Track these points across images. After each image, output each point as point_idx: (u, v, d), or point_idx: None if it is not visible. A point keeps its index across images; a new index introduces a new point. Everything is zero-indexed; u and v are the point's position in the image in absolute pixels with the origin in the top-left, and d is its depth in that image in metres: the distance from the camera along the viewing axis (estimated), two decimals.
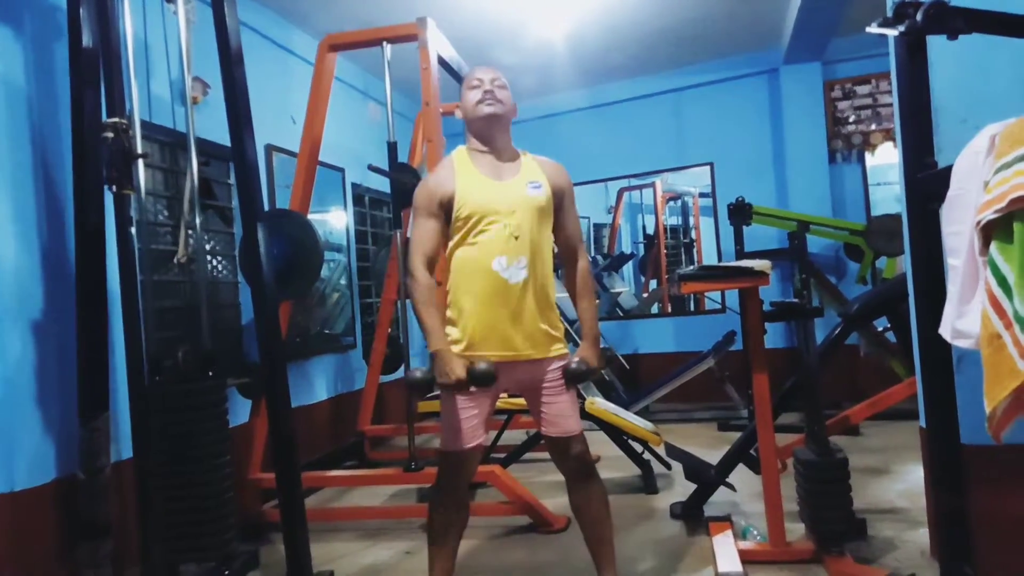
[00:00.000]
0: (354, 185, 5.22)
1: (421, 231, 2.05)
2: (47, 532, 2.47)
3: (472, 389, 1.96)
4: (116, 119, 2.08)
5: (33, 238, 2.54)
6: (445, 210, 2.03)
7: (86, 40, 2.42)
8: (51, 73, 2.66)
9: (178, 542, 2.32)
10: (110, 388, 2.51)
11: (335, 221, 4.96)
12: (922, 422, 2.41)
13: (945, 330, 1.39)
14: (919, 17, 1.62)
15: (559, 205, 2.12)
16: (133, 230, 2.15)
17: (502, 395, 2.35)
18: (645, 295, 7.42)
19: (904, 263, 5.45)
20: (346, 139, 5.00)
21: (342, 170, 5.02)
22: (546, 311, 2.04)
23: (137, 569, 2.62)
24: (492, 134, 2.07)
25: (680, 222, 7.95)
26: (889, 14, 1.74)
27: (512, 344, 1.99)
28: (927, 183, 1.64)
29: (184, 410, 2.28)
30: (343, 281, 5.03)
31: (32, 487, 2.42)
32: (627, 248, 7.91)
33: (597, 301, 6.09)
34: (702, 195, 7.16)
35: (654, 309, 7.19)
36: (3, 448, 2.35)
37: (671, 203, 7.77)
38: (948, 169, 1.49)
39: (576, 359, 2.06)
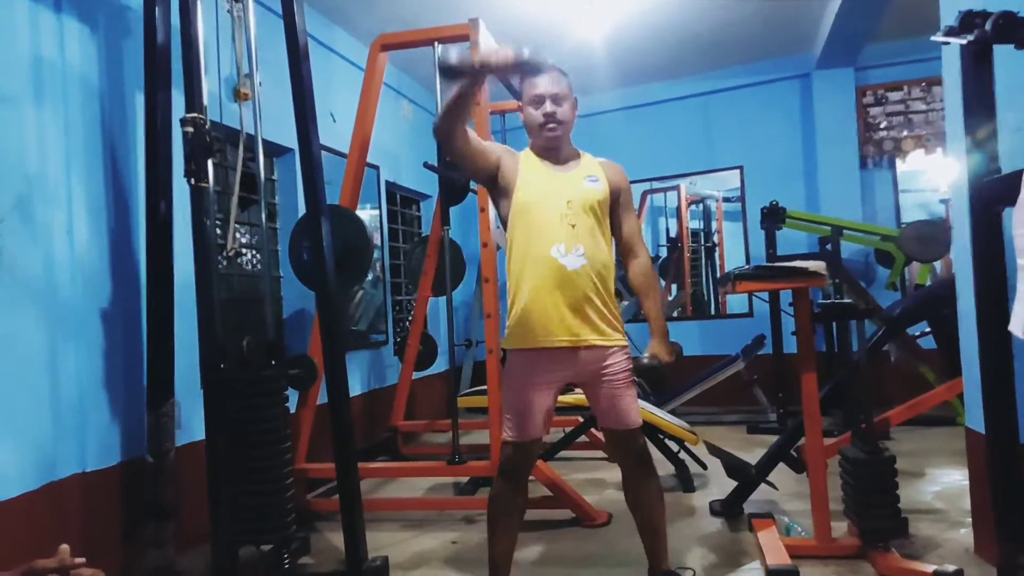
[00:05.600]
0: (388, 183, 5.30)
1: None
2: (114, 512, 2.56)
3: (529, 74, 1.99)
4: (196, 114, 2.16)
5: (103, 230, 2.63)
6: (498, 174, 2.13)
7: (160, 38, 2.51)
8: (120, 70, 2.75)
9: (241, 525, 2.39)
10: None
11: (369, 218, 5.04)
12: (970, 423, 2.46)
13: (1016, 327, 1.45)
14: (988, 27, 1.68)
15: (616, 201, 2.19)
16: (208, 222, 2.23)
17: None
18: (669, 298, 7.46)
19: (937, 267, 5.42)
20: (381, 137, 5.06)
21: (377, 167, 5.10)
22: (606, 299, 2.10)
23: (195, 550, 2.71)
24: (555, 148, 2.18)
25: (702, 226, 8.00)
26: (954, 23, 1.79)
27: (573, 330, 2.04)
28: (992, 188, 1.70)
29: (252, 396, 2.36)
30: (372, 277, 5.10)
31: (101, 468, 2.51)
32: (651, 251, 7.96)
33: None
34: (725, 199, 7.21)
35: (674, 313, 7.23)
36: (76, 430, 2.44)
37: (692, 207, 7.82)
38: (1013, 174, 1.54)
39: (647, 355, 2.12)
